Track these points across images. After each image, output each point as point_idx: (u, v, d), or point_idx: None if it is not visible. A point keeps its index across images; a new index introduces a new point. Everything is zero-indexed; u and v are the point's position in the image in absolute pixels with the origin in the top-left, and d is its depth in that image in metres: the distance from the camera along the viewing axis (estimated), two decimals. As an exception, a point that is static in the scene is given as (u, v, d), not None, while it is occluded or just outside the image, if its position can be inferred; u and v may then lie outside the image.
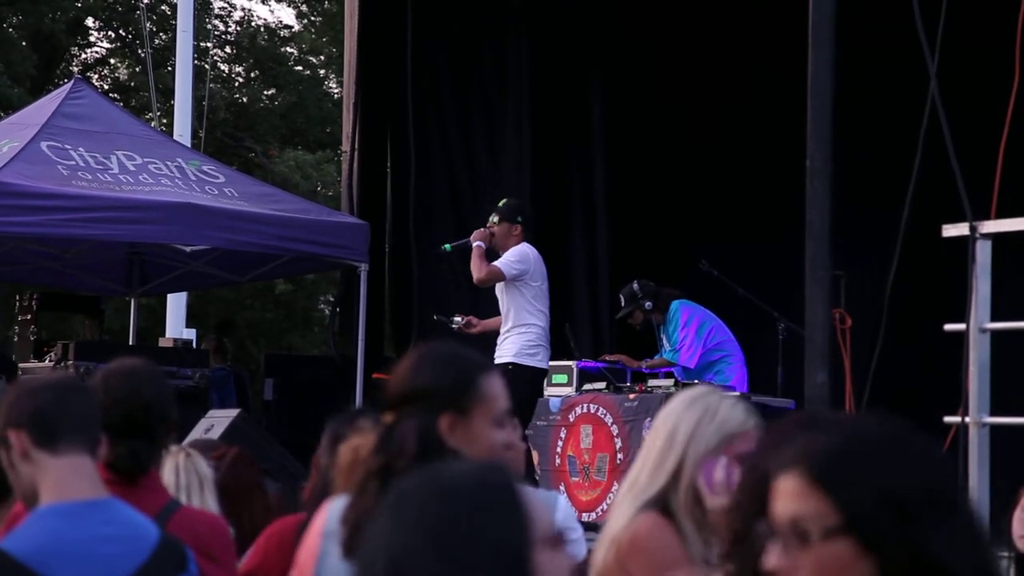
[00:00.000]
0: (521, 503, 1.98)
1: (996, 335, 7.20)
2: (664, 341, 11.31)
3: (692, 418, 3.73)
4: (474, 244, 10.37)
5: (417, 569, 1.90)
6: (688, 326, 11.10)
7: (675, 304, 11.23)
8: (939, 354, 10.99)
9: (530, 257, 10.30)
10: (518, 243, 10.36)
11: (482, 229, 10.45)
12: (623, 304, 11.43)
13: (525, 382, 9.82)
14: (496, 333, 10.33)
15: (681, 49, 14.05)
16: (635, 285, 11.37)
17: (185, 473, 4.37)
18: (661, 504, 3.68)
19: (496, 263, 10.27)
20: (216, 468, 5.07)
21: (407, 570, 1.90)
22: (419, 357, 3.53)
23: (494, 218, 10.43)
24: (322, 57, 31.69)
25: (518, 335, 10.13)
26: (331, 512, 3.49)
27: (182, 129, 17.34)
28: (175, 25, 20.01)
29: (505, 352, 10.03)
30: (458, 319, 10.73)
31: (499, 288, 10.34)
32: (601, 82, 14.15)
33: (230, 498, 4.96)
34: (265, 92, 30.71)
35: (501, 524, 1.95)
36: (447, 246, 10.90)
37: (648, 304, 11.26)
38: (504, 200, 10.73)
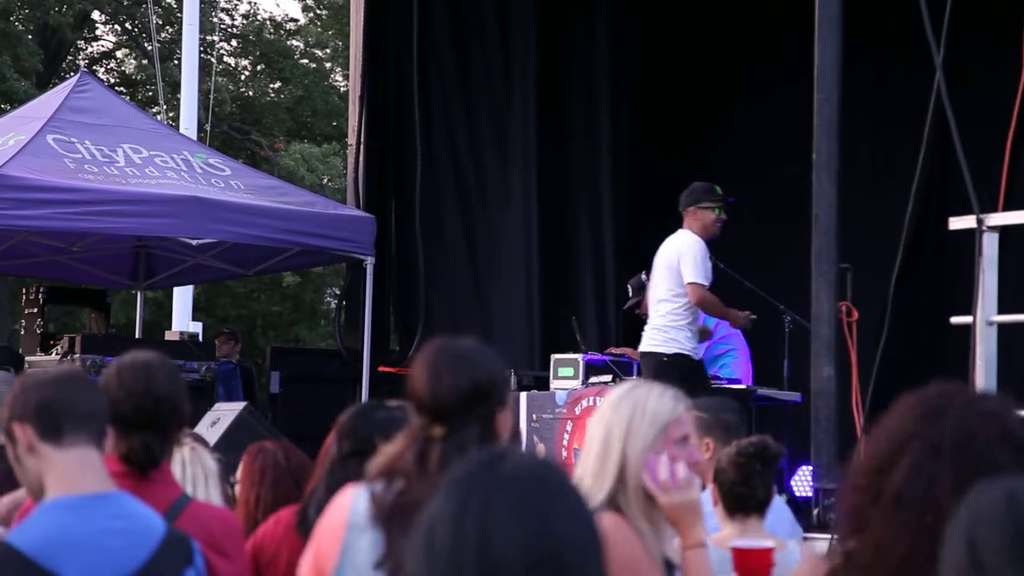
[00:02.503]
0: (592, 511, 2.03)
1: (1003, 328, 7.20)
2: None
3: (624, 417, 3.75)
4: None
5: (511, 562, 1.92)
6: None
7: None
8: (946, 347, 11.01)
9: None
10: None
11: None
12: (631, 294, 11.42)
13: None
14: None
15: (690, 37, 14.04)
16: (644, 276, 11.37)
17: (191, 466, 4.38)
18: (613, 506, 3.69)
19: None
20: (277, 461, 5.07)
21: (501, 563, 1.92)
22: (452, 358, 3.51)
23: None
24: (328, 50, 31.69)
25: None
26: (356, 505, 3.48)
27: (188, 122, 17.35)
28: (181, 18, 20.03)
29: None
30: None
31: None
32: (608, 73, 14.14)
33: (303, 485, 4.98)
34: (271, 85, 30.72)
35: (591, 540, 2.00)
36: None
37: None
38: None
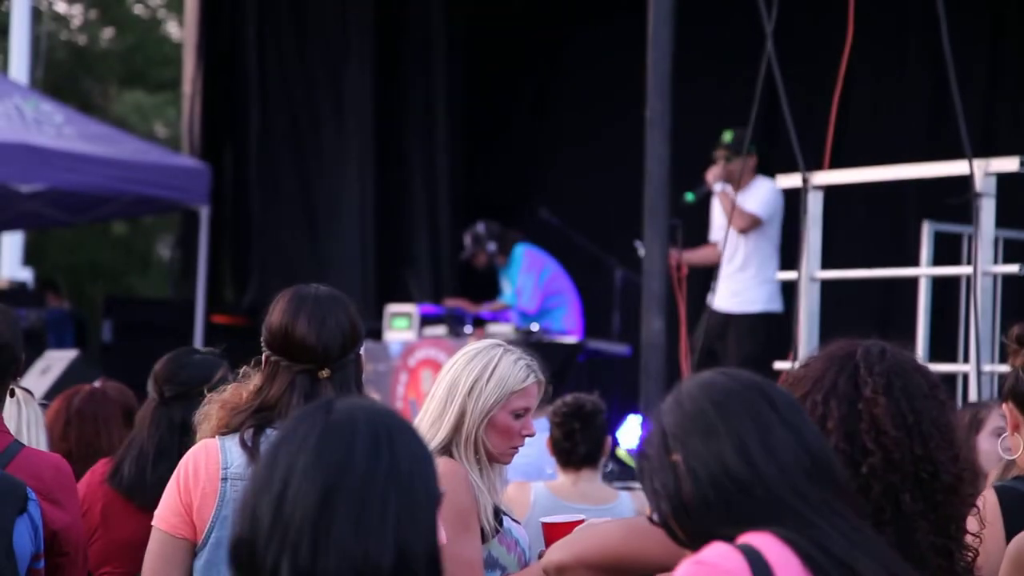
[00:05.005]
0: (431, 454, 2.06)
1: (826, 283, 7.40)
2: (506, 284, 11.41)
3: (472, 373, 3.83)
4: (717, 190, 9.36)
5: (346, 505, 1.94)
6: (530, 271, 11.21)
7: (519, 248, 11.32)
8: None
9: (780, 195, 9.44)
10: (753, 177, 9.48)
11: (715, 168, 9.49)
12: (467, 245, 11.50)
13: (774, 330, 9.22)
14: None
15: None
16: (480, 227, 11.44)
17: (25, 407, 4.39)
18: (447, 453, 3.78)
19: (750, 208, 9.40)
20: None
21: (337, 506, 1.94)
22: (328, 302, 3.56)
23: (723, 153, 9.42)
24: (162, -2, 31.22)
25: (771, 283, 9.44)
26: (227, 456, 3.49)
27: (19, 69, 17.03)
28: (11, -38, 19.59)
29: (757, 299, 9.46)
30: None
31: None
32: (445, 24, 14.13)
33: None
34: (104, 32, 30.19)
35: (426, 472, 2.01)
36: (690, 196, 9.62)
37: (492, 246, 11.33)
38: (728, 131, 9.53)
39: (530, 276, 11.18)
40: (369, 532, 1.91)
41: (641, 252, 8.94)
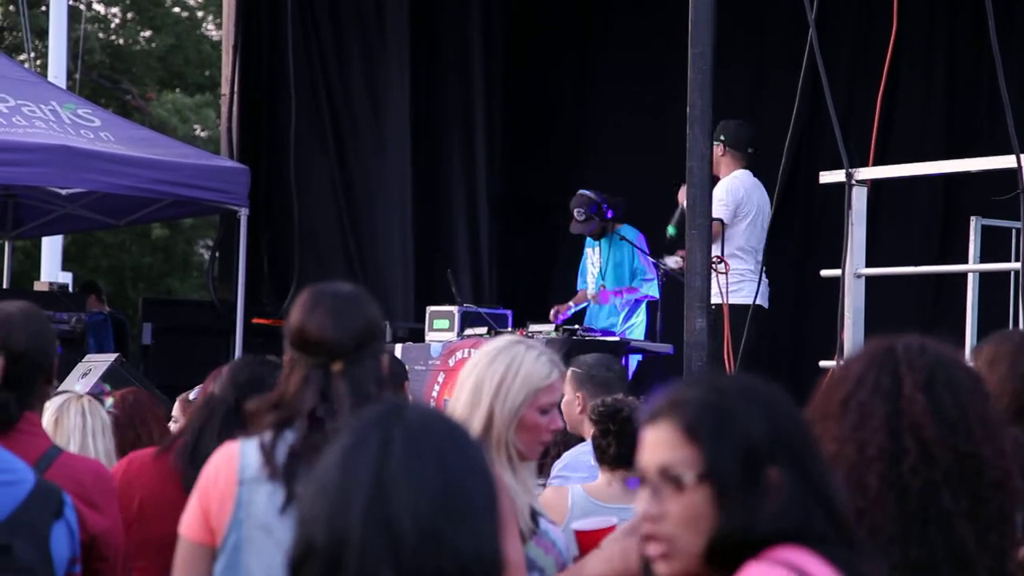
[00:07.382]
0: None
1: (871, 280, 7.31)
2: (605, 266, 11.06)
3: (496, 374, 3.75)
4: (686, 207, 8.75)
5: (456, 506, 1.93)
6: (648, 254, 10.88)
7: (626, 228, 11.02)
8: (816, 299, 11.16)
9: (739, 189, 9.20)
10: (729, 169, 9.24)
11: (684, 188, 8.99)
12: (580, 215, 11.01)
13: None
14: None
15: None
16: (591, 193, 11.00)
17: (91, 417, 4.39)
18: None
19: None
20: None
21: (393, 514, 1.91)
22: (344, 298, 3.53)
23: None
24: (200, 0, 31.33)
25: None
26: (245, 460, 3.46)
27: (57, 71, 17.08)
28: (49, -36, 19.66)
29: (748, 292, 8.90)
30: (675, 260, 9.38)
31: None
32: (482, 21, 14.11)
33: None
34: (142, 34, 30.30)
35: (488, 488, 1.98)
36: (671, 229, 9.37)
37: (611, 213, 10.76)
38: None
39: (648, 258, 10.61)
40: (481, 532, 1.91)
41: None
